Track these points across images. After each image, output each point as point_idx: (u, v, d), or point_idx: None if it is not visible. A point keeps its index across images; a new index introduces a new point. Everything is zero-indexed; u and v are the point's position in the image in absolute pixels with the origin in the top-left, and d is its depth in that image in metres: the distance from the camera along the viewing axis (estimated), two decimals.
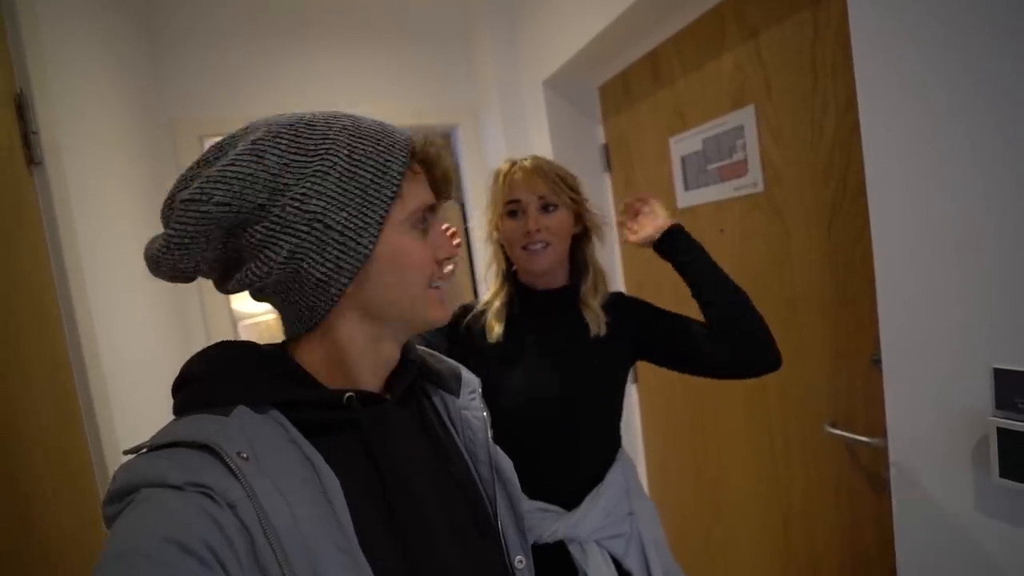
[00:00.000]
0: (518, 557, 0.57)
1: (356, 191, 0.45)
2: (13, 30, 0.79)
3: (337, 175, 0.45)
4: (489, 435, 0.59)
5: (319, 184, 0.44)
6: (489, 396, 0.89)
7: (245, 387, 0.45)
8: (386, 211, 0.46)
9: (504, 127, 1.89)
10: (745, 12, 1.17)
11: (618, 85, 1.65)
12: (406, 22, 1.93)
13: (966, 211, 0.70)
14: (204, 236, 0.43)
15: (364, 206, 0.45)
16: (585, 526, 0.87)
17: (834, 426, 1.08)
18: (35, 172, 0.81)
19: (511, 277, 0.98)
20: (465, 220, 2.13)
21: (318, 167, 0.44)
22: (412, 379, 0.55)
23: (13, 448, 0.69)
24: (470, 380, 0.62)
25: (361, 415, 0.48)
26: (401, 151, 0.47)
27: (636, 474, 0.98)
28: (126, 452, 0.41)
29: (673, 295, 1.55)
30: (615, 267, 1.79)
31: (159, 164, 1.53)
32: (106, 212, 1.07)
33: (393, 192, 0.46)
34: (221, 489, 0.37)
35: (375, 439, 0.48)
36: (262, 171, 0.43)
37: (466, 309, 1.00)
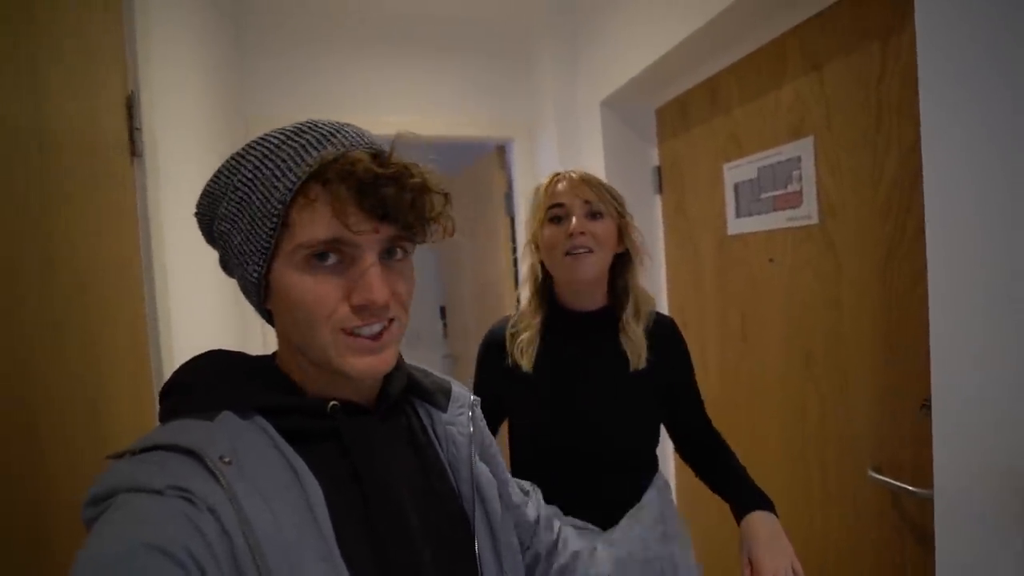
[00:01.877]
0: None
1: (246, 216, 0.43)
2: (130, 38, 0.89)
3: (238, 198, 0.44)
4: (473, 452, 0.58)
5: (226, 206, 0.45)
6: (524, 427, 0.93)
7: (230, 393, 0.45)
8: (269, 240, 0.43)
9: (559, 144, 1.93)
10: (809, 43, 1.16)
11: (675, 109, 1.66)
12: (470, 38, 2.01)
13: None
14: (206, 233, 0.50)
15: (251, 232, 0.43)
16: (620, 546, 0.87)
17: (879, 471, 1.04)
18: (135, 163, 0.90)
19: (546, 300, 0.95)
20: (514, 235, 2.18)
21: (231, 188, 0.45)
22: (399, 393, 0.54)
23: (99, 406, 0.77)
24: (460, 395, 0.61)
25: (344, 425, 0.47)
26: (289, 174, 0.42)
27: (671, 496, 0.98)
28: (109, 456, 0.41)
29: (716, 323, 1.53)
30: (660, 289, 1.78)
31: None
32: (188, 201, 1.17)
33: (273, 222, 0.42)
34: (202, 493, 0.37)
35: (357, 450, 0.47)
36: (217, 188, 0.46)
37: (494, 334, 0.97)
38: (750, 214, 1.36)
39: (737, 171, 1.39)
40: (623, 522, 0.89)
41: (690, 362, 1.00)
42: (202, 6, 1.40)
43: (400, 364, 0.57)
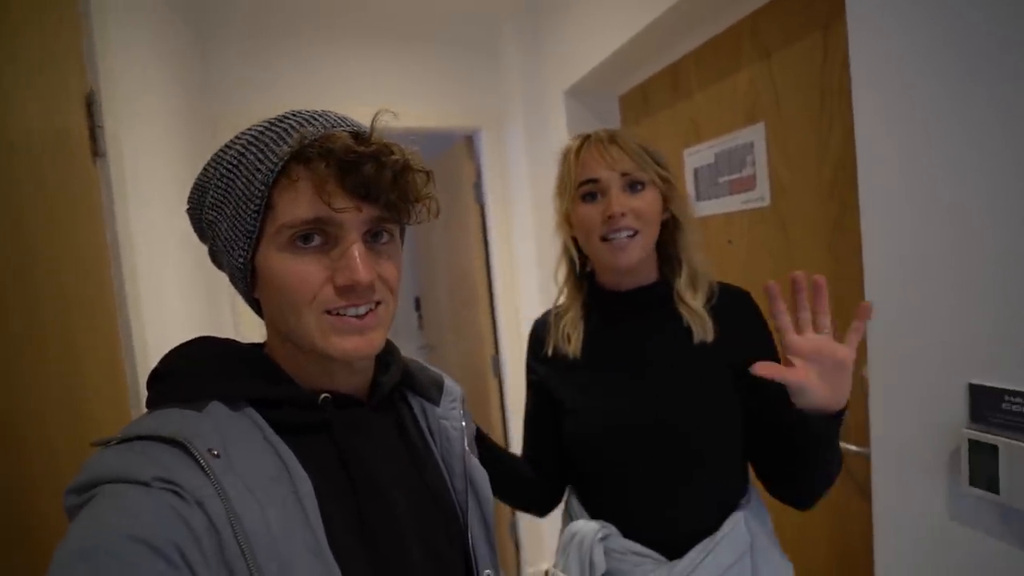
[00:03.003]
0: (487, 571, 0.56)
1: (231, 201, 0.44)
2: (88, 35, 0.89)
3: (224, 185, 0.44)
4: (466, 446, 0.58)
5: (212, 195, 0.45)
6: (574, 422, 0.79)
7: (221, 383, 0.44)
8: (254, 224, 0.43)
9: (526, 132, 1.96)
10: (760, 32, 1.21)
11: (638, 96, 1.70)
12: (435, 28, 2.01)
13: (949, 236, 0.75)
14: (196, 226, 0.50)
15: (236, 217, 0.44)
16: None
17: None
18: (99, 163, 0.90)
19: (587, 278, 0.84)
20: (484, 224, 2.21)
21: (216, 176, 0.45)
22: (392, 386, 0.54)
23: (78, 400, 0.78)
24: (452, 389, 0.61)
25: (335, 418, 0.47)
26: (272, 156, 0.42)
27: (769, 527, 0.78)
28: (94, 444, 0.41)
29: None
30: None
31: (200, 156, 1.64)
32: (153, 200, 1.17)
33: (257, 205, 0.43)
34: (190, 486, 0.36)
35: (348, 443, 0.47)
36: (205, 180, 0.46)
37: (534, 324, 0.89)
38: (709, 198, 1.42)
39: (696, 156, 1.45)
40: (694, 551, 0.71)
41: (771, 340, 0.78)
42: (162, 1, 1.38)
43: (396, 356, 0.57)
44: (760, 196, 1.25)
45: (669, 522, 0.75)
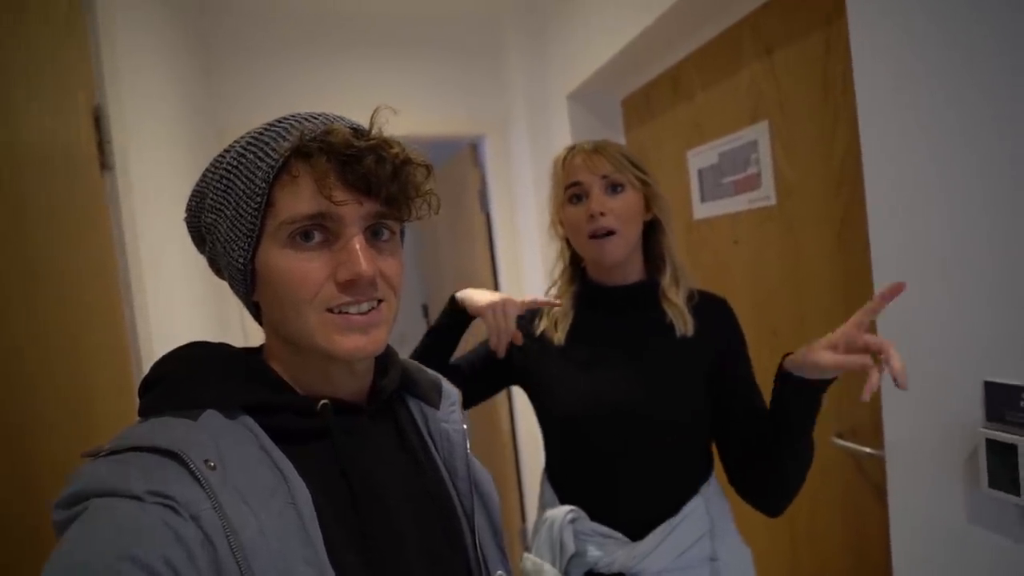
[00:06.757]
0: (498, 572, 0.56)
1: (231, 202, 0.44)
2: (95, 51, 0.91)
3: (223, 187, 0.44)
4: (468, 448, 0.57)
5: (211, 197, 0.45)
6: (552, 402, 0.85)
7: (215, 389, 0.43)
8: (254, 222, 0.43)
9: (530, 138, 1.97)
10: (761, 30, 1.21)
11: (640, 99, 1.70)
12: (438, 37, 2.03)
13: (959, 230, 0.73)
14: (194, 234, 0.50)
15: (236, 218, 0.43)
16: (651, 562, 0.76)
17: (840, 437, 1.09)
18: (106, 177, 0.92)
19: (578, 275, 0.90)
20: (490, 231, 2.21)
21: (215, 179, 0.45)
22: (392, 390, 0.54)
23: (84, 409, 0.79)
24: (450, 392, 0.60)
25: (333, 424, 0.46)
26: (272, 153, 0.42)
27: (728, 512, 0.84)
28: (84, 455, 0.39)
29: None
30: None
31: (204, 166, 1.66)
32: (160, 212, 1.19)
33: (257, 202, 0.42)
34: (185, 500, 0.35)
35: (347, 450, 0.46)
36: (204, 185, 0.47)
37: (532, 315, 0.93)
38: (714, 199, 1.41)
39: (700, 157, 1.44)
40: (655, 533, 0.77)
41: (743, 345, 0.86)
42: (168, 16, 1.41)
43: (395, 360, 0.56)
44: (765, 195, 1.24)
45: (635, 503, 0.80)
